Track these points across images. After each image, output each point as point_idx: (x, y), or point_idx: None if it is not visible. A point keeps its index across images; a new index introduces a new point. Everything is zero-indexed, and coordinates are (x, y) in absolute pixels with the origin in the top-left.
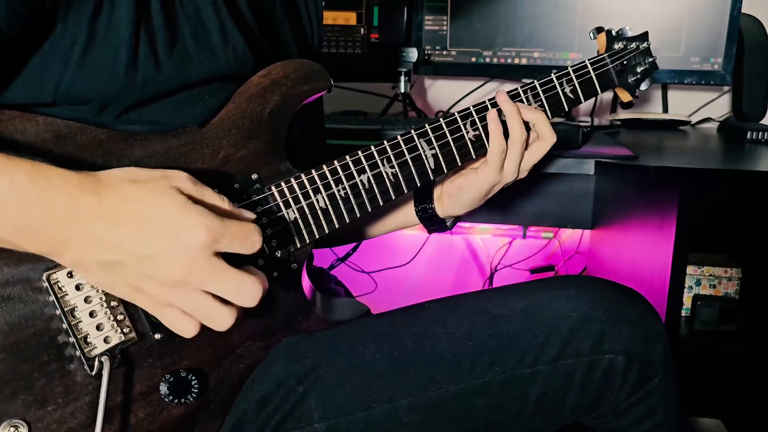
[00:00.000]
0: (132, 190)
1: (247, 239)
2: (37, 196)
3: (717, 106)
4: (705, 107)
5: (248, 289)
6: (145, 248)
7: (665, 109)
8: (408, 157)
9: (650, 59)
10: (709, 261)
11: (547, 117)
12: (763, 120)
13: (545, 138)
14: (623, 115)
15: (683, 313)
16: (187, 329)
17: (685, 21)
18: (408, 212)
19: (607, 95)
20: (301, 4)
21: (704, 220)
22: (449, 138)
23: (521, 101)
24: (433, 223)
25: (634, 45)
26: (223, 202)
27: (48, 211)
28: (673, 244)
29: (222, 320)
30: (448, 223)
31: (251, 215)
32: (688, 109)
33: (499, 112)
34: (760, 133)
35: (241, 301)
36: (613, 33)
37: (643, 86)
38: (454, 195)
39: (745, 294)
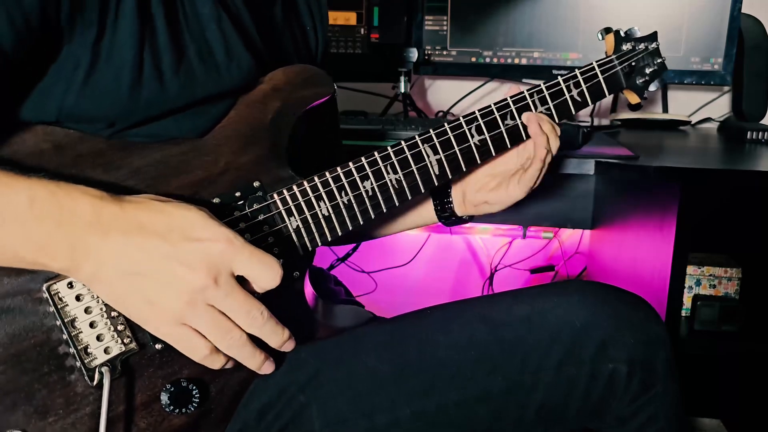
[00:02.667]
0: (156, 204)
1: (268, 266)
2: (57, 210)
3: (717, 106)
4: (705, 107)
5: (256, 313)
6: (166, 256)
7: (665, 109)
8: (412, 163)
9: (659, 60)
10: (709, 261)
11: (551, 115)
12: (763, 120)
13: (553, 150)
14: (623, 115)
15: (683, 313)
16: (198, 350)
17: (685, 21)
18: (425, 212)
19: None
20: (305, 14)
21: (704, 220)
22: (454, 143)
23: (527, 105)
24: (452, 223)
25: (642, 46)
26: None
27: (69, 224)
28: (673, 244)
29: (235, 342)
30: (464, 218)
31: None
32: (688, 109)
33: (503, 117)
34: (760, 133)
35: (249, 323)
36: (622, 34)
37: (652, 87)
38: (481, 207)
39: (745, 294)
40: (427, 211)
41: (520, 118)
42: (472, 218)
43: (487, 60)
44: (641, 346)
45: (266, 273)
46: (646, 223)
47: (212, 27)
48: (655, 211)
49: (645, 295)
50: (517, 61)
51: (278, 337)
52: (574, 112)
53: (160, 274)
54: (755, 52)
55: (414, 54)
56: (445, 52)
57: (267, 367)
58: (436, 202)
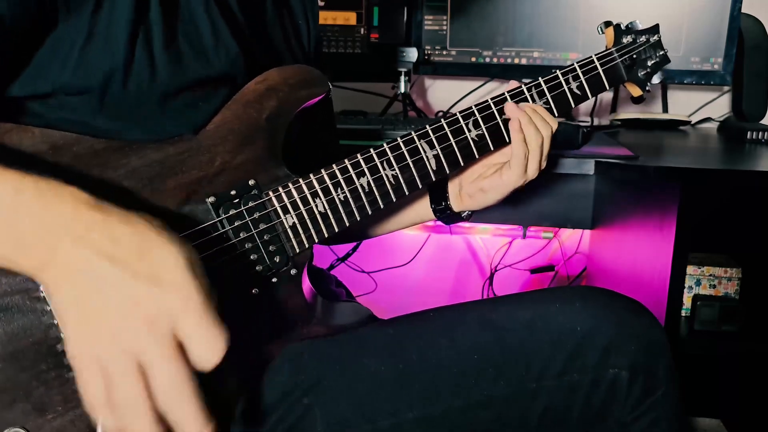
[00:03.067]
0: (143, 227)
1: (211, 342)
2: (41, 206)
3: (717, 106)
4: (705, 107)
5: (182, 385)
6: (120, 284)
7: (665, 109)
8: (409, 159)
9: (661, 52)
10: (709, 261)
11: (549, 109)
12: (763, 120)
13: (546, 135)
14: (623, 115)
15: (683, 313)
16: (95, 396)
17: (685, 21)
18: (422, 208)
19: (607, 95)
20: (298, 10)
21: (704, 220)
22: (451, 138)
23: (525, 99)
24: (450, 219)
25: (643, 38)
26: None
27: (50, 221)
28: (673, 244)
29: (136, 405)
30: (463, 215)
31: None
32: (688, 109)
33: (500, 112)
34: (760, 133)
35: (166, 400)
36: (622, 27)
37: (655, 79)
38: (477, 196)
39: (745, 294)
40: (423, 207)
41: (523, 127)
42: (470, 216)
43: (487, 60)
44: (643, 353)
45: (204, 349)
46: (646, 223)
47: (200, 11)
48: (655, 211)
49: (645, 295)
50: (516, 61)
51: (191, 426)
52: (573, 105)
53: (105, 299)
54: (755, 52)
55: (414, 54)
56: (444, 52)
57: None
58: (432, 196)
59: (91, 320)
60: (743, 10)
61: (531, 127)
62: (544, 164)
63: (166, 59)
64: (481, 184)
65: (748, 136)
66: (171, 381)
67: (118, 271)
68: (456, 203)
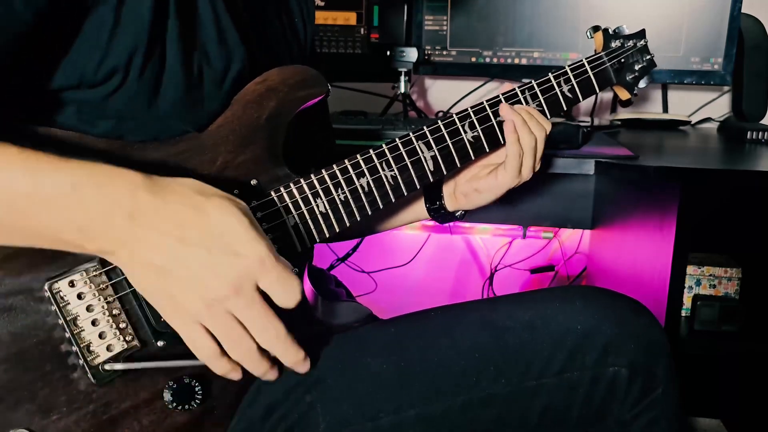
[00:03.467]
0: (198, 201)
1: (289, 289)
2: (100, 196)
3: (717, 106)
4: (705, 107)
5: (272, 331)
6: (198, 261)
7: (665, 109)
8: (407, 159)
9: (648, 57)
10: (709, 261)
11: (542, 111)
12: (763, 120)
13: (539, 137)
14: (623, 115)
15: (683, 313)
16: (205, 350)
17: (685, 21)
18: (418, 207)
19: (607, 95)
20: (295, 7)
21: (704, 220)
22: (448, 140)
23: (519, 102)
24: (444, 218)
25: (631, 43)
26: (271, 245)
27: (109, 209)
28: (673, 244)
29: (244, 350)
30: (457, 215)
31: (290, 265)
32: (688, 109)
33: (495, 114)
34: (760, 133)
35: (264, 338)
36: (610, 31)
37: (642, 84)
38: (471, 196)
39: (745, 294)
40: (419, 206)
41: (518, 128)
42: (463, 216)
43: (487, 60)
44: (642, 352)
45: (285, 296)
46: (646, 223)
47: (204, 2)
48: (655, 211)
49: (645, 295)
50: (516, 61)
51: (291, 357)
52: (565, 108)
53: (188, 276)
54: (755, 52)
55: (414, 54)
56: (444, 52)
57: (271, 375)
58: (426, 196)
59: (176, 296)
60: (743, 10)
61: (525, 128)
62: (538, 166)
63: (178, 44)
64: (476, 184)
65: (748, 136)
66: (265, 325)
67: (190, 250)
68: (450, 203)
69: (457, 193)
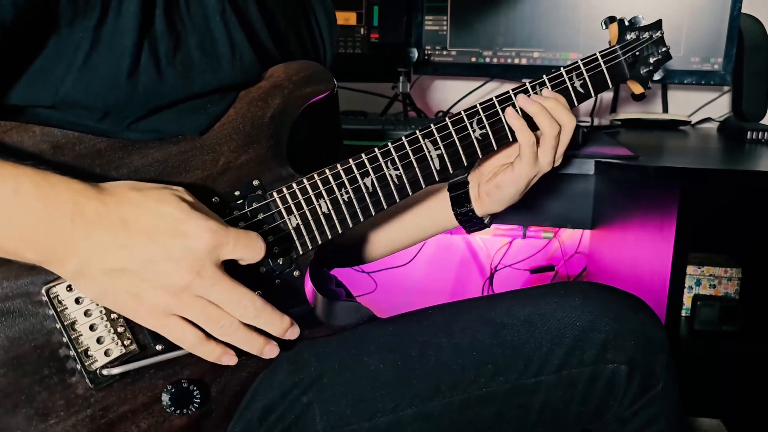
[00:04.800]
0: (136, 197)
1: (251, 245)
2: (42, 203)
3: (717, 106)
4: (705, 107)
5: (247, 303)
6: (151, 252)
7: (665, 109)
8: (413, 158)
9: (663, 49)
10: (709, 261)
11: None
12: (763, 120)
13: (564, 124)
14: (623, 115)
15: (683, 313)
16: (189, 338)
17: (685, 21)
18: (442, 217)
19: (608, 95)
20: (313, 20)
21: (704, 220)
22: (455, 138)
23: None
24: (473, 224)
25: (646, 35)
26: (217, 217)
27: (52, 218)
28: (673, 244)
29: (227, 328)
30: (486, 221)
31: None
32: (688, 109)
33: (505, 110)
34: (760, 133)
35: (241, 313)
36: (626, 22)
37: (656, 77)
38: (493, 193)
39: (745, 294)
40: (444, 214)
41: (538, 121)
42: (491, 222)
43: (487, 60)
44: (641, 348)
45: (250, 252)
46: (646, 223)
47: (216, 19)
48: (655, 211)
49: (645, 295)
50: (517, 61)
51: (277, 326)
52: (576, 104)
53: (145, 270)
54: (755, 52)
55: (414, 54)
56: (445, 52)
57: (270, 351)
58: (454, 201)
59: (139, 294)
60: (743, 10)
61: (543, 116)
62: (559, 158)
63: (171, 68)
64: (495, 180)
65: (748, 136)
66: (238, 299)
67: (140, 244)
68: (477, 206)
69: (481, 193)
